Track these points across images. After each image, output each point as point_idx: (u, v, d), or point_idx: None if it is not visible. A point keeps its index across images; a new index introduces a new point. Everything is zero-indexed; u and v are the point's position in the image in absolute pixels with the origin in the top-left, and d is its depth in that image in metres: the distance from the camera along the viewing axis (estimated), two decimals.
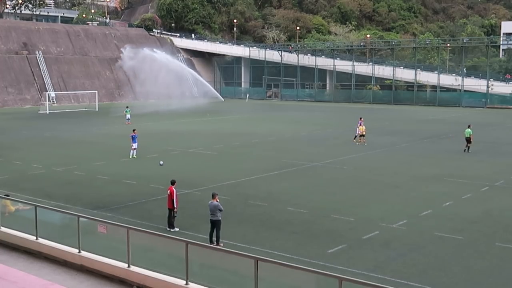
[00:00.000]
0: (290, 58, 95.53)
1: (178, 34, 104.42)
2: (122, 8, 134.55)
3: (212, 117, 61.17)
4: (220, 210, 17.03)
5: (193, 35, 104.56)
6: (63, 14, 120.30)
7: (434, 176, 27.81)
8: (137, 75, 77.91)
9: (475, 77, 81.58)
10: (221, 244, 16.55)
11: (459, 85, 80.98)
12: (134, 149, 33.19)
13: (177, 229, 18.37)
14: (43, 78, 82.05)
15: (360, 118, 41.34)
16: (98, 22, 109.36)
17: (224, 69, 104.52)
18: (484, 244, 17.45)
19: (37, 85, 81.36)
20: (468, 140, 36.03)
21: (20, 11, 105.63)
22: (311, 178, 27.70)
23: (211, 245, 15.95)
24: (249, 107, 78.08)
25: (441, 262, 15.73)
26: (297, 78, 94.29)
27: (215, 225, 16.99)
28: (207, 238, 17.19)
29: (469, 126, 36.94)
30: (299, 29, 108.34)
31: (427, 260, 16.02)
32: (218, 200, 17.24)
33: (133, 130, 34.15)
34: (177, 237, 12.19)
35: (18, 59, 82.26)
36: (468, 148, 35.97)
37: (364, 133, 38.60)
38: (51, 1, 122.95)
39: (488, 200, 23.14)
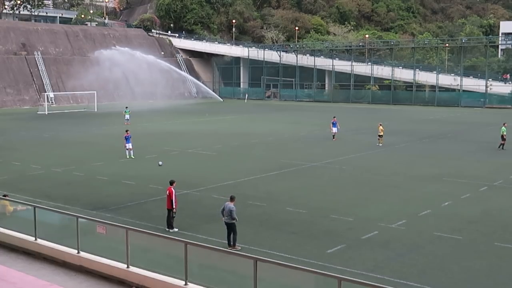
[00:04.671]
0: (289, 58, 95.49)
1: (177, 35, 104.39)
2: (121, 8, 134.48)
3: (211, 117, 61.18)
4: (233, 218, 16.69)
5: (169, 31, 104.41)
6: (62, 14, 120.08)
7: (433, 176, 27.83)
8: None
9: (473, 77, 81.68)
10: (238, 247, 16.43)
11: (458, 85, 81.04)
12: (128, 149, 33.23)
13: (176, 230, 18.37)
14: (41, 79, 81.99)
15: (334, 117, 41.88)
16: (96, 23, 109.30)
17: (223, 70, 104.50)
18: (483, 244, 17.46)
19: (35, 86, 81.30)
20: (502, 138, 36.32)
21: (19, 12, 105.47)
22: (310, 178, 27.71)
23: (229, 248, 15.78)
24: (248, 107, 78.10)
25: (440, 262, 15.74)
26: (296, 78, 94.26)
27: (229, 227, 16.78)
28: (206, 239, 17.19)
29: (504, 124, 37.12)
30: (298, 29, 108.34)
31: (426, 260, 16.03)
32: (234, 204, 16.97)
33: (126, 131, 34.23)
34: (176, 238, 12.19)
35: (17, 60, 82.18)
36: (503, 146, 36.38)
37: (381, 134, 38.73)
38: (49, 2, 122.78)
39: (487, 200, 23.16)
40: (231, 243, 16.67)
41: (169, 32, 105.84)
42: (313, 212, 20.99)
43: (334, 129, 41.45)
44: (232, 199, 17.08)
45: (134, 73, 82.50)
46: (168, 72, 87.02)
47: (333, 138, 41.33)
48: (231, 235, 16.80)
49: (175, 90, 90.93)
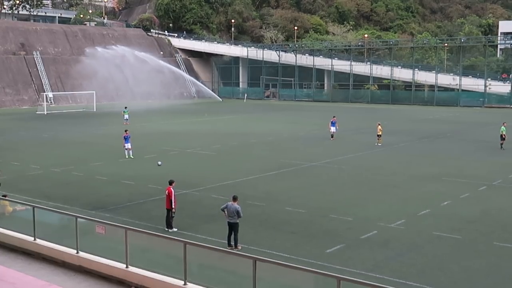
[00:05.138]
0: (288, 58, 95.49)
1: (176, 34, 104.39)
2: (120, 8, 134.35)
3: (210, 117, 61.18)
4: (238, 215, 16.72)
5: (166, 31, 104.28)
6: (61, 14, 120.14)
7: (432, 176, 27.84)
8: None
9: (472, 76, 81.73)
10: (239, 247, 16.44)
11: (457, 84, 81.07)
12: (127, 149, 33.22)
13: (175, 230, 18.36)
14: (40, 79, 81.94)
15: (333, 117, 41.98)
16: (95, 23, 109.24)
17: (222, 69, 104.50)
18: (482, 244, 17.47)
19: (34, 86, 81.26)
20: (501, 137, 36.38)
21: (18, 12, 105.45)
22: (309, 178, 27.71)
23: (229, 248, 15.82)
24: (247, 107, 78.10)
25: (439, 262, 15.74)
26: (295, 78, 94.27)
27: (233, 227, 16.73)
28: (205, 238, 17.19)
29: (503, 124, 37.17)
30: (297, 29, 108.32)
31: (425, 259, 16.03)
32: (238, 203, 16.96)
33: (125, 131, 34.21)
34: (175, 238, 12.19)
35: (16, 60, 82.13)
36: (502, 145, 36.49)
37: (380, 133, 38.74)
38: (48, 2, 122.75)
39: (486, 200, 23.17)
40: (232, 244, 16.65)
41: (166, 31, 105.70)
42: (312, 212, 20.99)
43: (333, 129, 41.56)
44: (235, 199, 17.01)
45: (134, 72, 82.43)
46: (165, 71, 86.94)
47: (332, 137, 41.37)
48: (232, 235, 16.76)
49: (174, 90, 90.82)
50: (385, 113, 66.13)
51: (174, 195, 18.49)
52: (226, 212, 16.85)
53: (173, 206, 18.39)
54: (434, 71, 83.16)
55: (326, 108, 71.42)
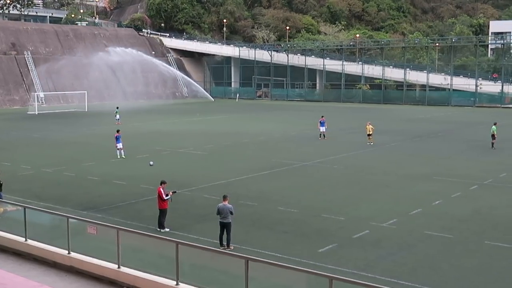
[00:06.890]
0: (280, 57, 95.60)
1: (168, 34, 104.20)
2: (111, 8, 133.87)
3: (202, 117, 61.11)
4: (231, 213, 16.76)
5: (150, 29, 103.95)
6: (52, 14, 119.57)
7: (424, 175, 27.94)
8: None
9: (464, 76, 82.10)
10: (232, 247, 16.42)
11: (448, 84, 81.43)
12: (119, 149, 33.13)
13: (167, 230, 18.33)
14: (31, 79, 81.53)
15: (322, 117, 42.12)
16: (87, 22, 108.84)
17: (214, 69, 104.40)
18: (473, 242, 17.55)
19: (25, 86, 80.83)
20: (493, 137, 36.63)
21: (8, 11, 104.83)
22: (302, 178, 27.73)
23: (221, 248, 15.80)
24: (239, 107, 78.08)
25: (431, 261, 15.80)
26: (287, 78, 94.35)
27: (225, 227, 16.71)
28: (198, 238, 17.16)
29: (495, 124, 37.35)
30: (288, 29, 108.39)
31: (417, 258, 16.09)
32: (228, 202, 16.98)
33: (117, 131, 34.10)
34: (168, 238, 12.17)
35: (7, 60, 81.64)
36: (493, 145, 36.66)
37: (371, 132, 38.84)
38: (39, 1, 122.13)
39: (477, 199, 23.27)
40: (224, 243, 16.64)
41: (152, 30, 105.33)
42: (305, 212, 21.01)
43: (322, 128, 41.72)
44: (225, 198, 17.02)
45: (125, 72, 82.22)
46: (160, 71, 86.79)
47: (320, 136, 41.52)
48: (224, 235, 16.75)
49: (166, 89, 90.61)
50: (376, 112, 66.28)
51: (163, 193, 18.42)
52: (220, 213, 16.83)
53: (164, 199, 18.31)
54: (426, 71, 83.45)
55: (318, 108, 71.44)
